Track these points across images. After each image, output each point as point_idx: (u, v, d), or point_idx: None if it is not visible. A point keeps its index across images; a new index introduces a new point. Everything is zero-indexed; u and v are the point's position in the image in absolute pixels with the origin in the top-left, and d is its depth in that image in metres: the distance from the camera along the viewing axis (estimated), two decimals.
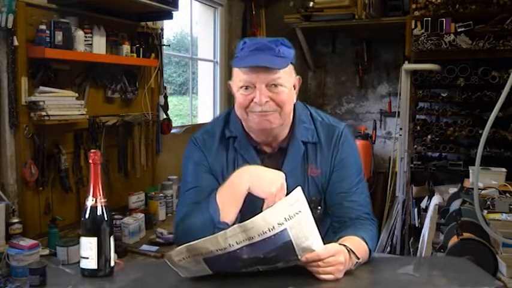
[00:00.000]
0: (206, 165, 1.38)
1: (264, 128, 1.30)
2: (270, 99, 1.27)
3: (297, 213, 1.04)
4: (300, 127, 1.38)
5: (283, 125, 1.34)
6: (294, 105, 1.37)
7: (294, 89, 1.36)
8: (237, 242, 1.04)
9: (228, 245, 1.04)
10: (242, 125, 1.37)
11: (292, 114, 1.37)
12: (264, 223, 1.02)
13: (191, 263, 1.10)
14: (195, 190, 1.34)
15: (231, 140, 1.39)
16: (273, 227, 1.03)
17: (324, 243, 1.13)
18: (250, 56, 1.27)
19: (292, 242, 1.05)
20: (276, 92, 1.27)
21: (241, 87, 1.28)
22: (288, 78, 1.30)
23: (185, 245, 1.07)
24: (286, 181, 1.28)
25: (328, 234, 1.38)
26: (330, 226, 1.41)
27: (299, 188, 1.06)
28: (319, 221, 1.38)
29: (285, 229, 1.04)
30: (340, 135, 1.39)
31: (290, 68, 1.32)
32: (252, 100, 1.27)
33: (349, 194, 1.37)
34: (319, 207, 1.41)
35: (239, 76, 1.28)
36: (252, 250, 1.05)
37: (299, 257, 1.09)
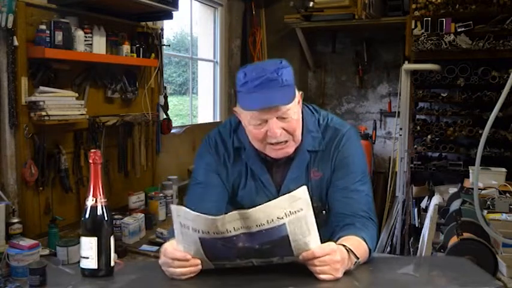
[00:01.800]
0: (215, 168, 1.45)
1: (281, 157, 1.37)
2: (282, 129, 1.31)
3: (298, 211, 1.05)
4: (307, 137, 1.41)
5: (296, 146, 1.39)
6: (302, 114, 1.39)
7: (298, 103, 1.37)
8: (234, 228, 1.05)
9: (226, 230, 1.05)
10: None
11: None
12: (263, 215, 1.03)
13: (189, 238, 1.10)
14: (202, 187, 1.44)
15: (239, 150, 1.44)
16: (272, 220, 1.04)
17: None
18: (256, 94, 1.27)
19: (288, 237, 1.06)
20: (287, 121, 1.31)
21: (253, 123, 1.32)
22: (295, 105, 1.33)
23: (194, 212, 1.08)
24: (290, 188, 1.35)
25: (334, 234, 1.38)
26: (330, 223, 1.41)
27: (304, 187, 1.06)
28: (324, 223, 1.39)
29: (284, 224, 1.04)
30: (342, 138, 1.41)
31: (294, 88, 1.33)
32: (266, 133, 1.31)
33: (348, 190, 1.37)
34: (323, 212, 1.43)
35: (249, 113, 1.31)
36: (248, 239, 1.06)
37: (294, 253, 1.09)
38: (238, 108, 1.36)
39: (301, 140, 1.39)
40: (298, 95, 1.36)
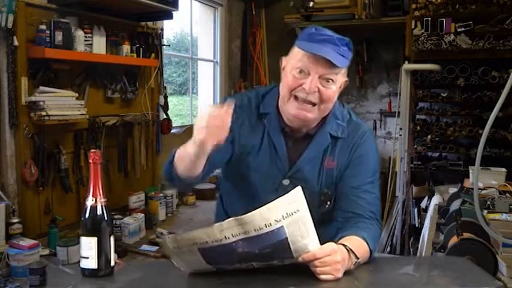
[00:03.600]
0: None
1: (298, 118, 1.35)
2: (318, 90, 1.31)
3: (295, 212, 1.04)
4: (331, 121, 1.41)
5: (317, 119, 1.38)
6: None
7: (340, 87, 1.38)
8: (232, 235, 1.05)
9: (224, 237, 1.05)
10: (277, 104, 1.41)
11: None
12: (261, 218, 1.03)
13: (186, 253, 1.10)
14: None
15: (263, 116, 1.43)
16: (270, 224, 1.03)
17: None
18: (318, 44, 1.30)
19: (287, 240, 1.06)
20: (326, 86, 1.31)
21: (296, 68, 1.32)
22: (340, 78, 1.35)
23: (181, 235, 1.08)
24: (304, 167, 1.39)
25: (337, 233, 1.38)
26: (335, 222, 1.41)
27: (299, 187, 1.06)
28: (325, 218, 1.39)
29: (282, 226, 1.04)
30: (363, 134, 1.43)
31: (344, 70, 1.36)
32: (301, 85, 1.31)
33: (359, 190, 1.38)
34: (328, 203, 1.42)
35: (299, 58, 1.32)
36: (247, 244, 1.06)
37: (294, 256, 1.09)
38: (290, 54, 1.38)
39: (325, 121, 1.40)
40: (345, 78, 1.38)
